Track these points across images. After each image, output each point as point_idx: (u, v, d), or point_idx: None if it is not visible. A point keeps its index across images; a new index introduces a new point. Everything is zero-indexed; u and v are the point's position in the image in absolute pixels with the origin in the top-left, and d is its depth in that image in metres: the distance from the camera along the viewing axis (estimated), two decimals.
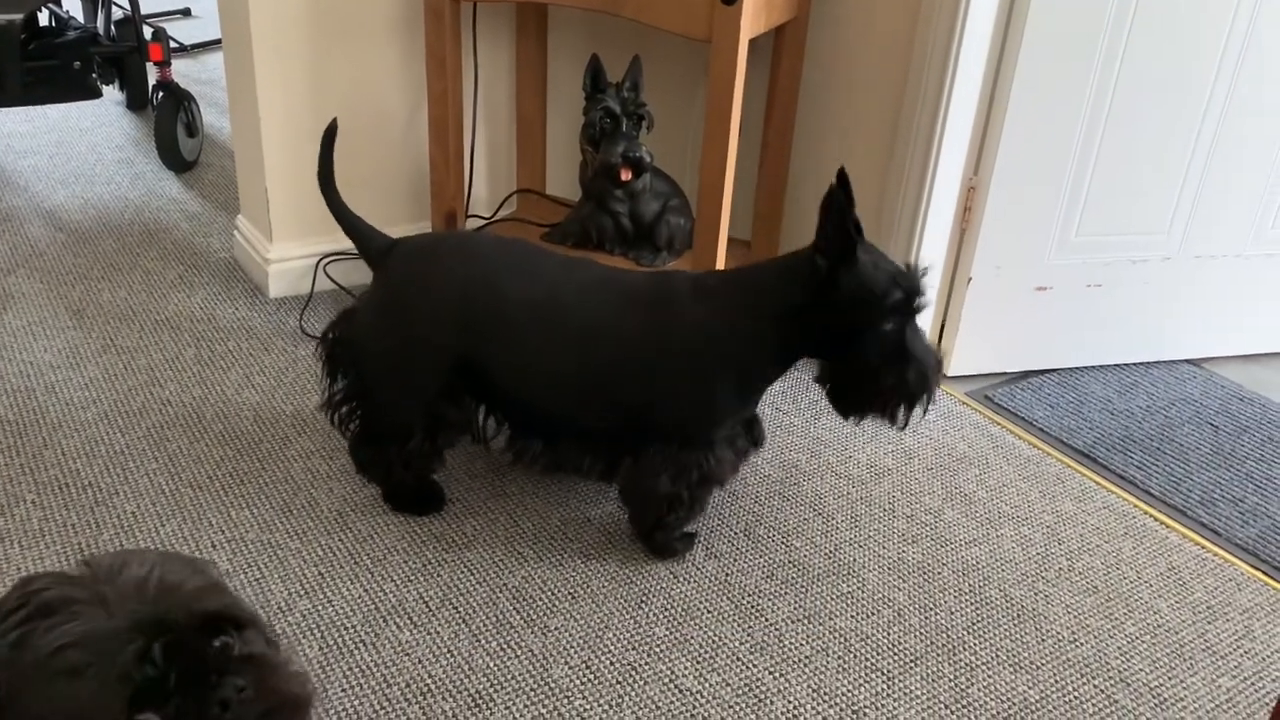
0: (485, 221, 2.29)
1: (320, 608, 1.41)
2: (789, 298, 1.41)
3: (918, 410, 1.43)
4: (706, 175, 1.79)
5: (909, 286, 1.38)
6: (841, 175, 1.36)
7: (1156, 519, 1.72)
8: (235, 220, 2.34)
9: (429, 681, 1.31)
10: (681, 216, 2.05)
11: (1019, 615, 1.49)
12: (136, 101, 3.14)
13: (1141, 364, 2.17)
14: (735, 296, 1.44)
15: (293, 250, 2.19)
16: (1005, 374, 2.11)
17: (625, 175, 1.90)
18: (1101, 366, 2.15)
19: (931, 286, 1.98)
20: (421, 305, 1.48)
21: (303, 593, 1.43)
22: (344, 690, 1.29)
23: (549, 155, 2.38)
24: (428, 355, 1.49)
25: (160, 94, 2.74)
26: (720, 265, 1.86)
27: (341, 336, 1.57)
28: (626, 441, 1.49)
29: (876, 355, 1.40)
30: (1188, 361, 2.20)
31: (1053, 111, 1.87)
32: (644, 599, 1.47)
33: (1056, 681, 1.38)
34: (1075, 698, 1.36)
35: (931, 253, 1.96)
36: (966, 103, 1.86)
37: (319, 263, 2.20)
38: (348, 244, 2.22)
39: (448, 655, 1.35)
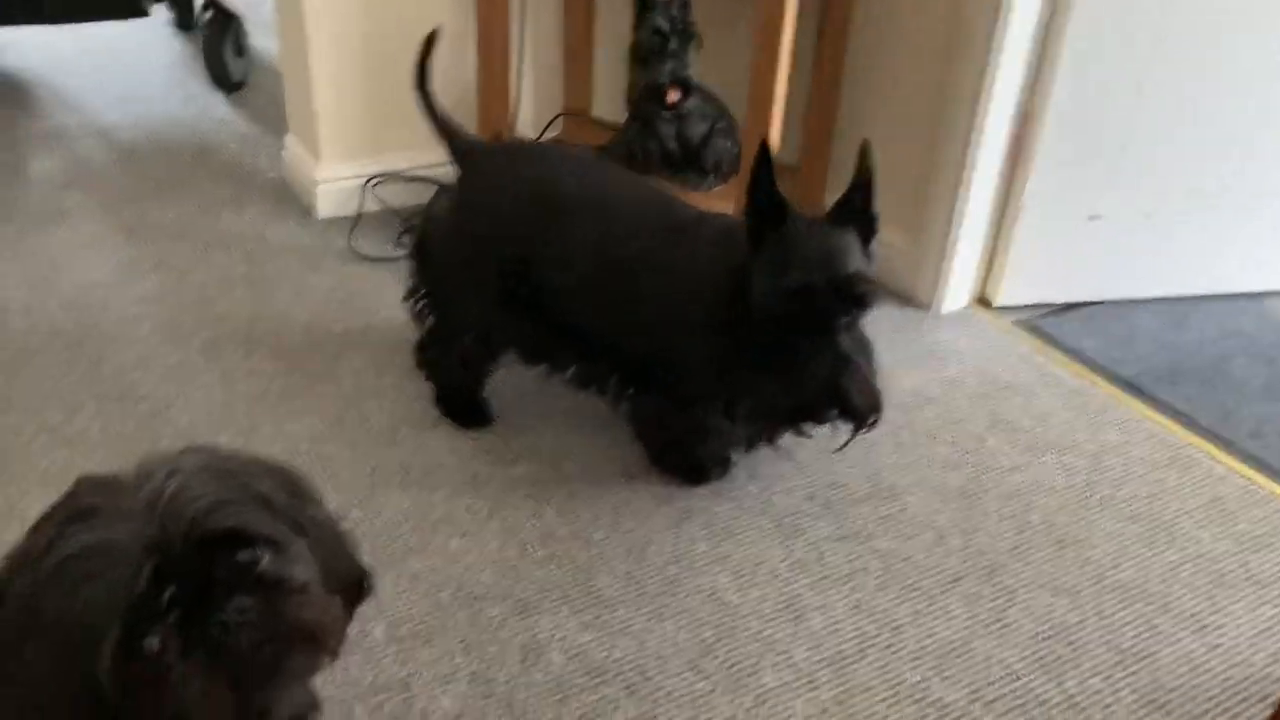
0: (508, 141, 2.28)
1: (372, 517, 1.45)
2: (735, 258, 1.31)
3: (785, 440, 1.30)
4: (756, 97, 1.77)
5: (847, 288, 1.21)
6: (764, 147, 1.26)
7: (1203, 450, 1.70)
8: (283, 140, 2.35)
9: (477, 588, 1.35)
10: (729, 140, 2.03)
11: (1060, 541, 1.50)
12: (184, 21, 3.15)
13: (1194, 297, 2.13)
14: (717, 253, 1.36)
15: (340, 170, 2.20)
16: (1053, 305, 2.08)
17: (673, 96, 1.89)
18: (1153, 299, 2.12)
19: (979, 216, 1.96)
20: (489, 203, 1.50)
21: (355, 502, 1.47)
22: (395, 595, 1.33)
23: (596, 77, 2.36)
24: (488, 252, 1.51)
25: (208, 14, 2.74)
26: None
27: (424, 229, 1.60)
28: (638, 374, 1.49)
29: (797, 363, 1.23)
30: (1243, 295, 2.16)
31: (1113, 31, 1.82)
32: (685, 516, 1.49)
33: (1096, 606, 1.39)
34: (1114, 622, 1.37)
35: (982, 178, 1.93)
36: (1025, 22, 1.82)
37: (366, 183, 2.21)
38: (395, 165, 2.24)
39: (495, 564, 1.38)
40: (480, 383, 1.63)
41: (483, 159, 1.56)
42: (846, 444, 1.39)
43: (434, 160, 2.25)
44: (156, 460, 0.75)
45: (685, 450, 1.52)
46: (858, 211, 1.30)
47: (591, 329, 1.50)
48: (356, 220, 2.18)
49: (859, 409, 1.26)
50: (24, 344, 1.74)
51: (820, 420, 1.29)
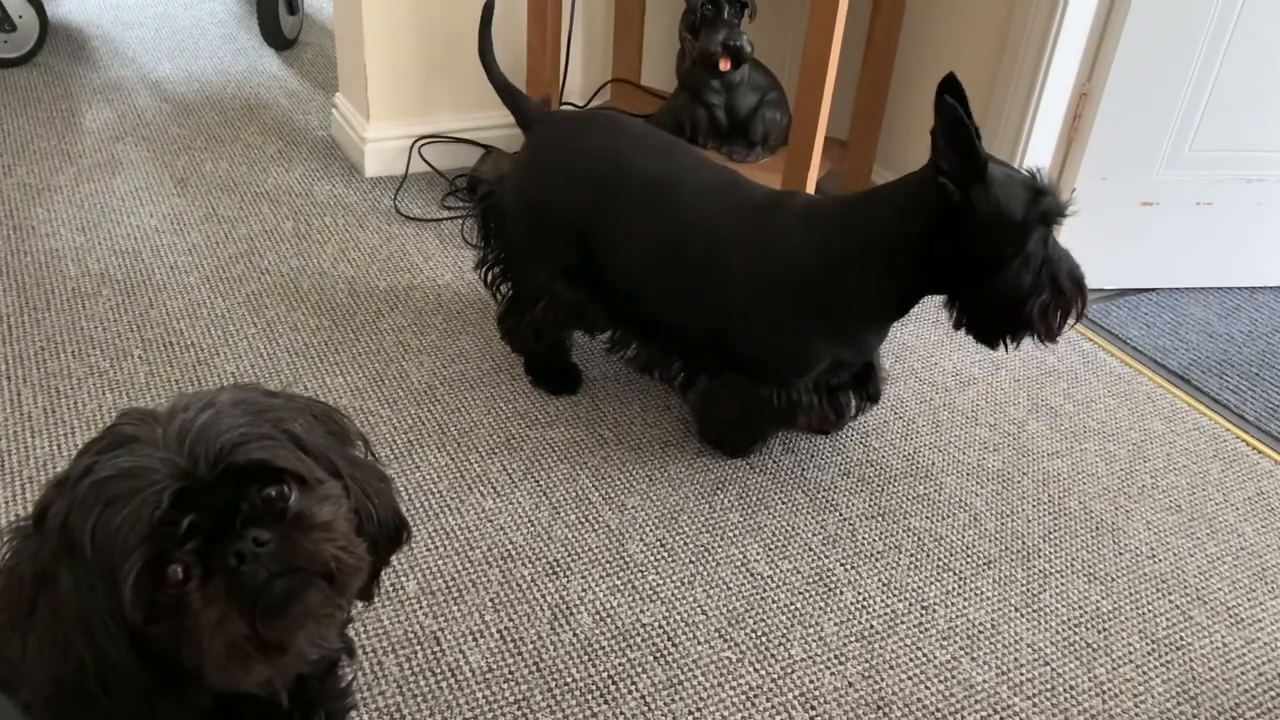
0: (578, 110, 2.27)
1: (408, 472, 1.46)
2: (911, 228, 1.30)
3: (1071, 319, 1.35)
4: (807, 69, 1.75)
5: (1052, 200, 1.28)
6: (952, 83, 1.25)
7: (1249, 444, 1.68)
8: (333, 99, 2.36)
9: (509, 547, 1.36)
10: (778, 111, 2.01)
11: (1097, 528, 1.48)
12: None
13: (1246, 288, 2.09)
14: (847, 226, 1.35)
15: (389, 130, 2.21)
16: (1102, 290, 2.05)
17: (724, 65, 1.87)
18: (1203, 289, 2.08)
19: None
20: (556, 173, 1.50)
21: (392, 458, 1.48)
22: (429, 550, 1.34)
23: (646, 44, 2.35)
24: (555, 223, 1.50)
25: None
26: (815, 165, 1.83)
27: (495, 197, 1.60)
28: (707, 358, 1.49)
29: (1027, 276, 1.30)
30: None
31: (1176, 17, 1.78)
32: (719, 486, 1.49)
33: (1131, 594, 1.38)
34: (1149, 611, 1.36)
35: (1035, 160, 1.90)
36: (1085, 3, 1.78)
37: (414, 144, 2.21)
38: (442, 127, 2.24)
39: (528, 524, 1.39)
40: (559, 351, 1.63)
41: (549, 128, 1.55)
42: (1066, 327, 1.38)
43: (481, 123, 2.26)
44: (194, 395, 0.76)
45: (754, 430, 1.51)
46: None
47: (657, 311, 1.49)
48: (403, 180, 2.19)
49: (1083, 282, 1.36)
50: (76, 289, 1.77)
51: (1071, 312, 1.35)
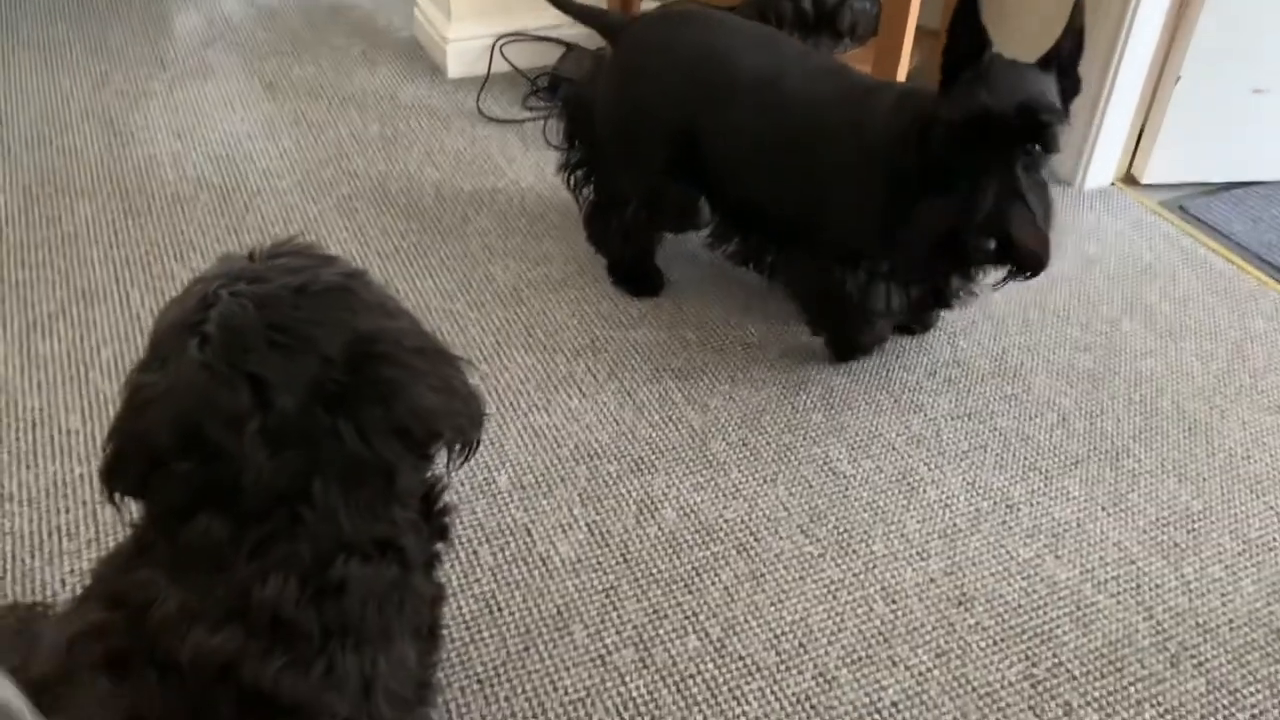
0: (658, 4, 2.23)
1: (498, 373, 1.50)
2: (921, 110, 1.27)
3: (986, 282, 1.25)
4: None
5: (1030, 116, 1.17)
6: None
7: None
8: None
9: (595, 446, 1.39)
10: (867, 0, 1.95)
11: (1191, 428, 1.45)
12: None
13: None
14: (899, 110, 1.33)
15: (471, 30, 2.20)
16: (1205, 184, 1.97)
17: None
18: None
19: (1132, 86, 1.85)
20: (655, 72, 1.49)
21: (481, 358, 1.52)
22: (519, 447, 1.38)
23: None
24: (655, 123, 1.50)
25: None
26: (905, 56, 1.77)
27: (581, 100, 1.60)
28: (800, 241, 1.48)
29: (965, 191, 1.19)
30: None
31: None
32: (801, 386, 1.50)
33: (1223, 495, 1.36)
34: (1241, 513, 1.34)
35: (1138, 44, 1.81)
36: None
37: (495, 43, 2.20)
38: (525, 24, 2.22)
39: (614, 423, 1.43)
40: (649, 252, 1.64)
41: (643, 29, 1.53)
42: (1003, 283, 1.30)
43: (562, 20, 2.23)
44: (306, 253, 0.80)
45: (845, 314, 1.48)
46: (1063, 65, 1.25)
47: (759, 198, 1.49)
48: (485, 81, 2.19)
49: (1021, 244, 1.20)
50: (175, 192, 1.83)
51: (979, 253, 1.22)
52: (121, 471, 0.78)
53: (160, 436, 0.74)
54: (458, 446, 0.81)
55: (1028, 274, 1.25)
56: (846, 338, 1.52)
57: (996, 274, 1.29)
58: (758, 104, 1.42)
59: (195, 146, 1.96)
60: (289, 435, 0.74)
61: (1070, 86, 1.27)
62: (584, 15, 1.62)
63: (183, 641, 0.75)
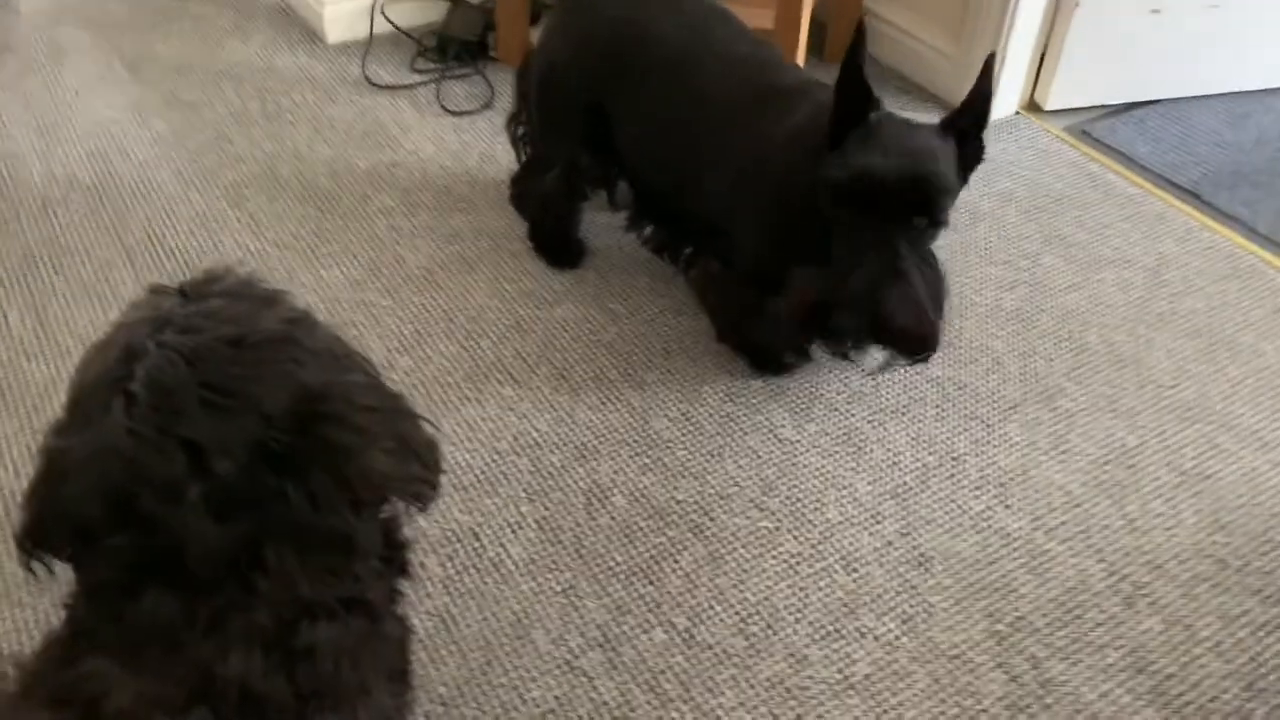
0: None
1: (421, 365, 1.43)
2: (818, 148, 1.18)
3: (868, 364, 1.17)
4: None
5: (918, 184, 1.09)
6: (859, 28, 1.14)
7: (1263, 259, 1.65)
8: None
9: (535, 435, 1.34)
10: None
11: (1119, 361, 1.47)
12: None
13: (1258, 92, 2.02)
14: (799, 138, 1.24)
15: None
16: (1106, 106, 1.98)
17: None
18: (1211, 96, 2.01)
19: (1032, 11, 1.83)
20: (574, 38, 1.44)
21: (402, 350, 1.45)
22: (454, 445, 1.32)
23: None
24: (570, 92, 1.45)
25: None
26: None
27: (527, 60, 1.55)
28: (709, 246, 1.42)
29: (842, 258, 1.11)
30: None
31: None
32: (737, 353, 1.47)
33: (1156, 426, 1.38)
34: (1175, 442, 1.36)
35: None
36: None
37: (375, 3, 2.07)
38: None
39: (550, 409, 1.37)
40: (568, 222, 1.57)
41: None
42: (884, 369, 1.22)
43: None
44: (220, 279, 0.74)
45: (761, 333, 1.40)
46: (963, 130, 1.16)
47: (668, 191, 1.43)
48: (369, 45, 2.06)
49: (897, 330, 1.09)
50: (45, 195, 1.68)
51: (849, 332, 1.13)
52: (41, 540, 0.71)
53: (87, 507, 0.67)
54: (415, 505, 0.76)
55: (912, 358, 1.16)
56: (762, 353, 1.43)
57: (877, 354, 1.21)
58: (667, 92, 1.35)
59: (59, 141, 1.80)
60: (234, 501, 0.67)
61: (971, 154, 1.18)
62: None
63: None
